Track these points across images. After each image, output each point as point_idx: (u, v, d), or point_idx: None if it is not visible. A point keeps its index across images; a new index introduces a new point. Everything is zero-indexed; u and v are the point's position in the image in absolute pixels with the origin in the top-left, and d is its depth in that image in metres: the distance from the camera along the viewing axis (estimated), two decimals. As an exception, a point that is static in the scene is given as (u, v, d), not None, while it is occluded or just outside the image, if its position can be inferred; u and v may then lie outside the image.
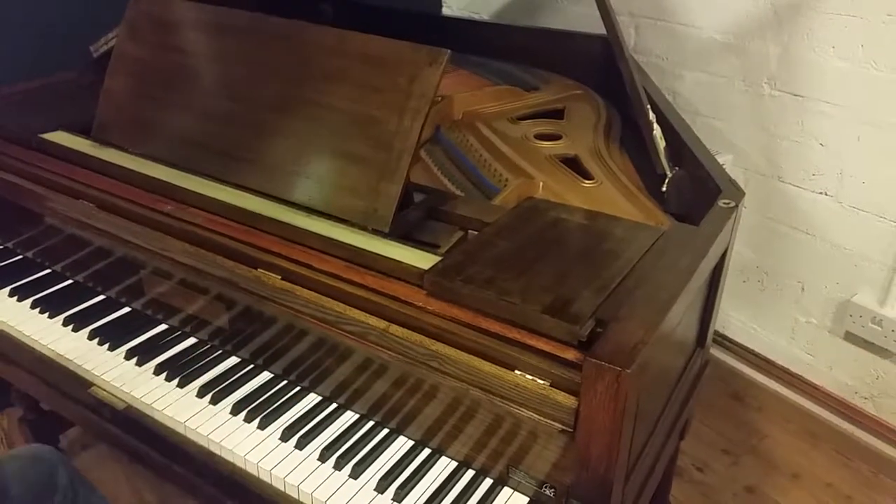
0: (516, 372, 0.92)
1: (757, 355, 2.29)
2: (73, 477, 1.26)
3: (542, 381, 0.90)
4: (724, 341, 2.35)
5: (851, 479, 1.96)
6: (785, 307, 2.17)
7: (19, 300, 1.37)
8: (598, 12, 1.43)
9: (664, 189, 1.34)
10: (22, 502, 1.17)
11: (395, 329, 1.00)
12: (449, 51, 1.10)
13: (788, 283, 2.14)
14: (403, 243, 1.10)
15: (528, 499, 0.98)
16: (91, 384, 1.17)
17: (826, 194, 1.97)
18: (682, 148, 1.40)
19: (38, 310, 1.34)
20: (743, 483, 1.95)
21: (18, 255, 1.50)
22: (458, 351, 0.96)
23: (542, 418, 0.91)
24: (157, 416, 1.12)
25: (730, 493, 1.92)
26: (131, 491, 1.86)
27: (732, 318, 2.32)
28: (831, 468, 2.00)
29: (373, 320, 1.02)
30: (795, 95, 1.95)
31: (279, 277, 1.09)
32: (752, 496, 1.92)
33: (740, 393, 2.27)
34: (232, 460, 1.05)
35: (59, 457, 1.27)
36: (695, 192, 1.32)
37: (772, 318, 2.22)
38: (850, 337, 2.02)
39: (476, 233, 1.16)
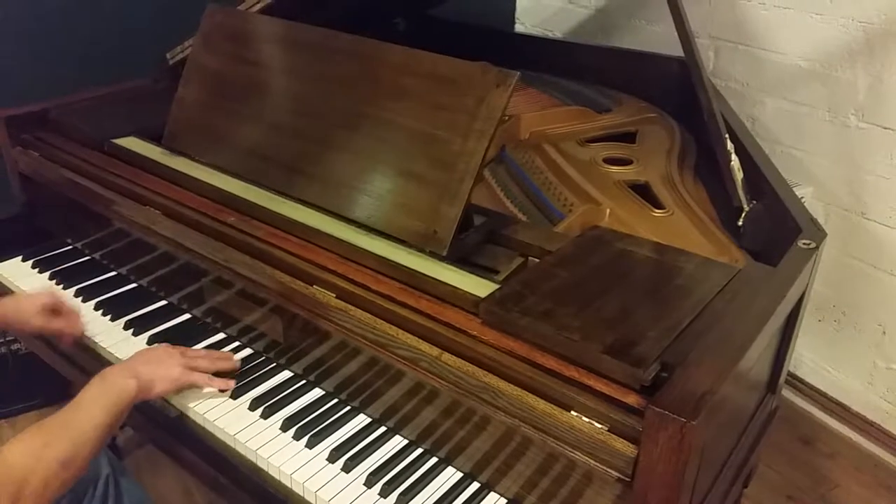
0: (572, 413, 0.87)
1: (830, 399, 2.17)
2: (114, 466, 1.28)
3: (599, 426, 0.85)
4: (794, 381, 2.23)
5: (930, 540, 1.83)
6: (863, 350, 2.05)
7: (84, 301, 1.40)
8: (676, 33, 1.37)
9: (740, 223, 1.27)
10: None
11: (448, 357, 0.97)
12: (518, 73, 1.07)
13: (868, 325, 2.02)
14: (460, 268, 1.07)
15: (578, 545, 0.93)
16: (146, 390, 1.18)
17: (915, 233, 1.85)
18: (760, 181, 1.33)
19: (101, 311, 1.36)
20: (809, 535, 1.84)
21: (86, 255, 1.53)
22: (512, 385, 0.92)
23: (597, 464, 0.86)
24: (208, 427, 1.12)
25: (794, 545, 1.82)
26: (182, 491, 1.89)
27: (805, 358, 2.20)
28: (908, 526, 1.87)
29: (425, 346, 0.99)
30: (885, 128, 1.84)
31: (334, 296, 1.08)
32: (818, 551, 1.81)
33: (810, 437, 2.15)
34: (278, 477, 1.04)
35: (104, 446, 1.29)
36: (773, 228, 1.24)
37: (848, 360, 2.10)
38: (934, 388, 1.89)
39: (537, 260, 1.12)
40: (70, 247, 1.56)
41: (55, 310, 1.26)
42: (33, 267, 1.50)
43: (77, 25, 1.90)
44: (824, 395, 2.18)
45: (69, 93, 1.64)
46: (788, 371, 2.19)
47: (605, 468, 0.85)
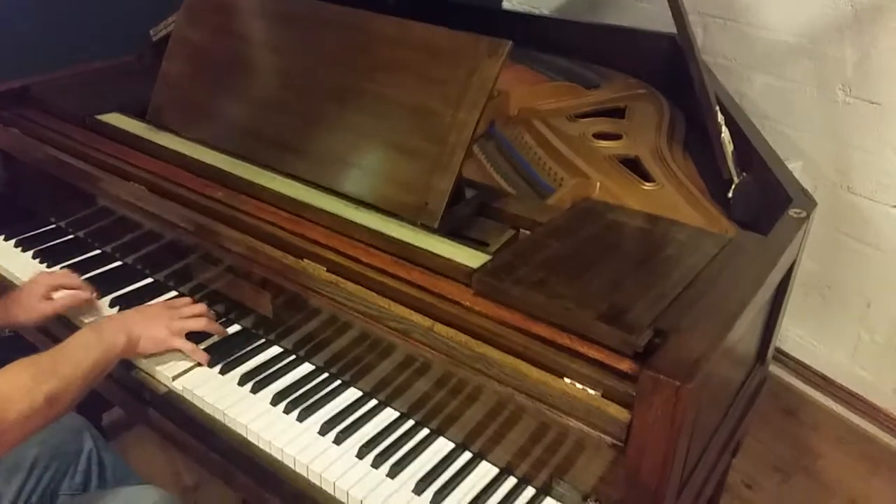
0: (566, 380, 0.87)
1: (814, 371, 2.19)
2: (97, 442, 1.27)
3: (593, 392, 0.85)
4: (779, 355, 2.25)
5: (914, 509, 1.86)
6: (848, 323, 2.07)
7: (70, 279, 1.38)
8: (665, 9, 1.36)
9: (730, 195, 1.28)
10: (44, 462, 1.18)
11: (441, 328, 0.97)
12: (510, 42, 1.06)
13: (853, 299, 2.04)
14: (452, 240, 1.07)
15: (571, 512, 0.94)
16: (134, 367, 1.17)
17: (900, 208, 1.86)
18: (750, 153, 1.33)
19: (87, 289, 1.35)
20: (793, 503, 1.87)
21: (70, 234, 1.51)
22: (505, 354, 0.92)
23: (591, 430, 0.86)
24: (197, 402, 1.11)
25: (780, 515, 1.84)
26: (171, 472, 1.88)
27: (790, 333, 2.22)
28: (892, 495, 1.90)
29: (417, 318, 0.99)
30: (872, 103, 1.85)
31: (325, 269, 1.07)
32: (803, 520, 1.83)
33: (794, 409, 2.17)
34: (269, 451, 1.03)
35: (85, 422, 1.29)
36: (763, 200, 1.25)
37: (833, 333, 2.12)
38: (918, 359, 1.92)
39: (528, 232, 1.12)
40: (53, 225, 1.54)
41: (57, 288, 1.25)
42: (16, 246, 1.47)
43: (61, 1, 1.86)
44: (809, 368, 2.20)
45: (50, 70, 1.61)
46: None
47: (598, 433, 0.86)
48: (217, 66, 1.35)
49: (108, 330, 1.08)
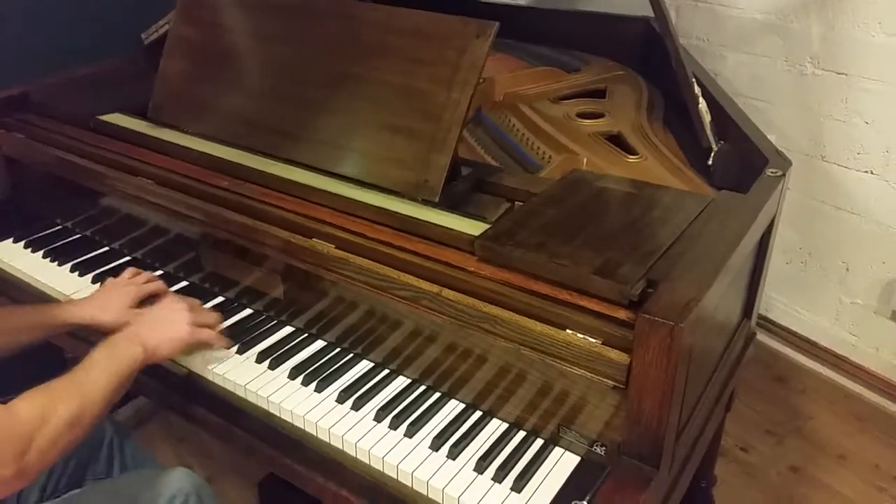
0: (568, 331, 0.94)
1: (801, 337, 2.27)
2: (118, 431, 1.32)
3: (593, 340, 0.92)
4: (767, 324, 2.33)
5: (899, 459, 1.95)
6: (829, 288, 2.16)
7: (80, 275, 1.42)
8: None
9: (710, 163, 1.35)
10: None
11: (448, 293, 1.03)
12: (497, 23, 1.12)
13: (833, 264, 2.12)
14: (453, 212, 1.13)
15: (579, 458, 1.00)
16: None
17: (872, 173, 1.95)
18: (727, 122, 1.41)
19: (99, 284, 1.39)
20: (787, 463, 1.94)
21: (77, 233, 1.56)
22: (510, 312, 0.98)
23: (594, 375, 0.93)
24: (218, 381, 1.16)
25: (774, 473, 1.92)
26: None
27: (776, 301, 2.31)
28: (878, 449, 1.98)
29: (425, 285, 1.04)
30: (839, 73, 1.94)
31: (333, 246, 1.13)
32: (796, 476, 1.91)
33: (784, 375, 2.25)
34: (291, 421, 1.09)
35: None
36: (741, 165, 1.32)
37: (816, 299, 2.21)
38: (896, 317, 2.01)
39: (523, 204, 1.18)
40: (60, 226, 1.58)
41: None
42: (26, 247, 1.52)
43: (51, 7, 1.90)
44: (796, 334, 2.29)
45: (46, 76, 1.66)
46: (762, 314, 2.30)
47: (601, 378, 0.92)
48: (214, 61, 1.40)
49: (122, 345, 1.06)
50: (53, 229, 1.57)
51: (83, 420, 0.96)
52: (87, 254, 1.48)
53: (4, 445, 0.86)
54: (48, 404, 0.93)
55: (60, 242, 1.53)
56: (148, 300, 1.27)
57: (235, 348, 1.20)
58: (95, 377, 1.00)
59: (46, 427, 0.91)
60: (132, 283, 1.28)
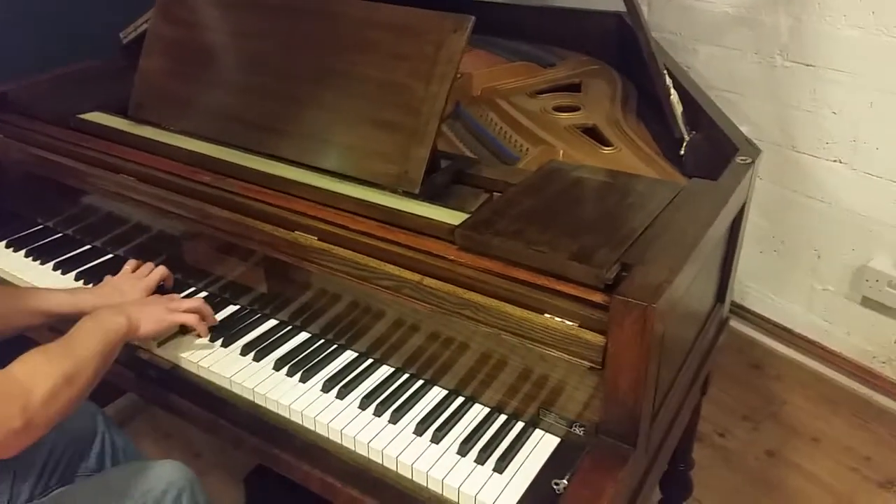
0: (546, 315, 0.97)
1: (775, 324, 2.33)
2: (109, 426, 1.33)
3: (570, 323, 0.95)
4: (742, 312, 2.38)
5: (870, 441, 2.00)
6: (801, 275, 2.21)
7: (63, 273, 1.43)
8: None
9: (682, 153, 1.38)
10: (62, 445, 1.25)
11: (429, 281, 1.05)
12: (473, 17, 1.15)
13: (804, 252, 2.18)
14: (433, 203, 1.15)
15: (559, 439, 1.03)
16: (139, 348, 1.23)
17: (840, 161, 2.00)
18: (698, 113, 1.44)
19: (82, 282, 1.41)
20: (763, 447, 1.99)
21: (58, 232, 1.56)
22: (490, 298, 1.01)
23: (572, 357, 0.96)
24: (203, 374, 1.18)
25: (751, 457, 1.96)
26: (169, 463, 1.93)
27: (750, 289, 2.36)
28: (850, 431, 2.04)
29: (407, 274, 1.07)
30: (807, 65, 1.99)
31: (316, 238, 1.15)
32: (772, 459, 1.96)
33: (759, 362, 2.31)
34: (276, 410, 1.11)
35: (97, 407, 1.35)
36: (712, 154, 1.36)
37: (788, 286, 2.26)
38: (866, 302, 2.06)
39: (501, 194, 1.21)
40: (41, 226, 1.59)
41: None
42: (7, 247, 1.52)
43: (29, 7, 1.89)
44: (770, 321, 2.34)
45: (23, 76, 1.66)
46: (736, 302, 2.35)
47: (578, 360, 0.95)
48: (194, 58, 1.41)
49: (106, 315, 1.11)
50: (35, 228, 1.58)
51: (79, 379, 1.00)
52: (70, 252, 1.49)
53: (7, 400, 0.91)
54: (42, 361, 0.98)
55: (43, 241, 1.53)
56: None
57: (220, 341, 1.22)
58: (85, 341, 1.05)
59: (45, 381, 0.95)
60: (136, 276, 1.31)
